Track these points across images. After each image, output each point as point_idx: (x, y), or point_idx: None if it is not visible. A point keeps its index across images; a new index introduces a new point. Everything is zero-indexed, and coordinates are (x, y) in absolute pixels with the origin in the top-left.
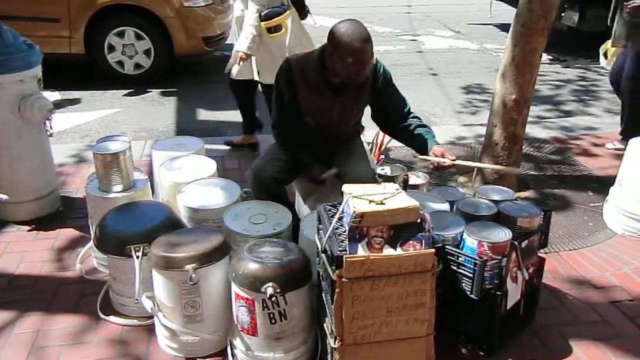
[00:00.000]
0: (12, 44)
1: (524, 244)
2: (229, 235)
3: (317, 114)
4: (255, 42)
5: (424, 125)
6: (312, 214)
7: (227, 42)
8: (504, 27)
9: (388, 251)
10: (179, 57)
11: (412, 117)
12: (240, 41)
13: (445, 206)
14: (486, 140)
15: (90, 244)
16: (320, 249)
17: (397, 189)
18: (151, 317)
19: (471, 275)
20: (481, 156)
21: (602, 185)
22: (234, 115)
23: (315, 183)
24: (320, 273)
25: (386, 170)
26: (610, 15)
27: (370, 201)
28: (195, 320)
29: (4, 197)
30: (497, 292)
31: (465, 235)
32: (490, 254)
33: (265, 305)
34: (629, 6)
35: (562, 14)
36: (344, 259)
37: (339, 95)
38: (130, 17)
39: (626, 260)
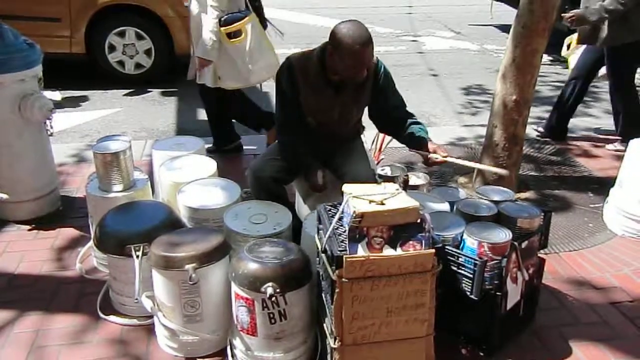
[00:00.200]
0: (13, 44)
1: (524, 245)
2: (229, 235)
3: (318, 113)
4: (215, 48)
5: (418, 123)
6: (313, 214)
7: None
8: (505, 28)
9: (388, 251)
10: (180, 57)
11: (410, 117)
12: (200, 47)
13: (446, 206)
14: (486, 141)
15: (90, 243)
16: (320, 249)
17: (397, 189)
18: (151, 316)
19: (471, 275)
20: (481, 157)
21: (602, 186)
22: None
23: (315, 190)
24: (320, 273)
25: (386, 170)
26: None
27: (371, 201)
28: (195, 320)
29: (4, 196)
30: (497, 293)
31: (465, 236)
32: (490, 255)
33: (265, 305)
34: (567, 18)
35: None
36: (344, 259)
37: (339, 94)
38: (131, 17)
39: (626, 262)
